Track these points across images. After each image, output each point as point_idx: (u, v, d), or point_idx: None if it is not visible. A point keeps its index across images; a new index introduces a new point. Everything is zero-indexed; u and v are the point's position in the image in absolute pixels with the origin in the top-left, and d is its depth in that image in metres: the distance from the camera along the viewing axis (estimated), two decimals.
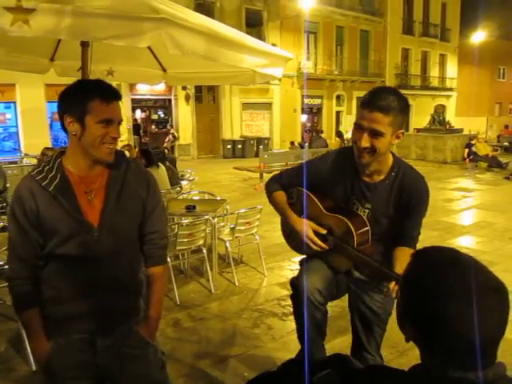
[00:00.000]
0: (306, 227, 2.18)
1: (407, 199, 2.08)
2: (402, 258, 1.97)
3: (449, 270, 0.95)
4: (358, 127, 1.96)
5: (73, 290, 1.63)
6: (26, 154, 12.01)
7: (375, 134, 1.91)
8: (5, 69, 4.36)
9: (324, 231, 2.18)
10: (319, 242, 2.16)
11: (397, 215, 2.13)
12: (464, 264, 0.96)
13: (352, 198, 2.18)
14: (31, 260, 1.62)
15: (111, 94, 1.59)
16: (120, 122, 1.63)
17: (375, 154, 1.97)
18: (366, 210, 2.15)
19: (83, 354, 1.68)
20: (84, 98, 1.55)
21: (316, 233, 2.19)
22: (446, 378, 0.92)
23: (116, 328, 1.71)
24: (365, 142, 1.93)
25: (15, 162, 11.39)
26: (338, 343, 3.32)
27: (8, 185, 6.80)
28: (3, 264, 3.45)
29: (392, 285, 1.86)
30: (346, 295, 2.45)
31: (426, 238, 4.38)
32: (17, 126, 14.88)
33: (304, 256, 2.41)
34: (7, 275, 1.69)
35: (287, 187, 2.37)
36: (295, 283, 2.26)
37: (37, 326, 1.66)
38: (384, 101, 1.88)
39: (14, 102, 14.60)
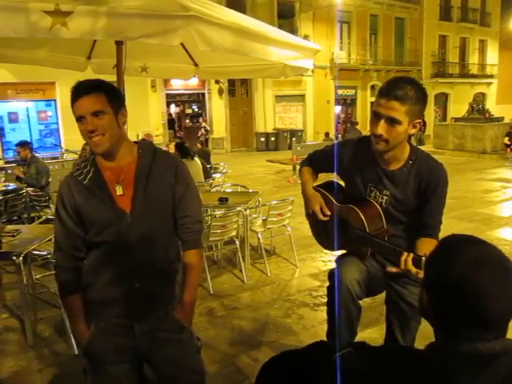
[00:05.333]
0: (314, 199, 2.35)
1: (426, 186, 2.10)
2: (422, 245, 2.04)
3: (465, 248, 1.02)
4: (375, 115, 2.01)
5: (110, 275, 1.74)
6: (66, 150, 12.44)
7: (392, 122, 1.95)
8: (47, 66, 4.63)
9: (328, 212, 2.32)
10: (319, 213, 2.32)
11: (417, 203, 2.15)
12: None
13: (370, 185, 2.22)
14: (70, 251, 1.76)
15: (78, 92, 1.66)
16: (95, 112, 1.64)
17: (390, 143, 2.02)
18: (385, 197, 2.18)
19: (122, 338, 1.77)
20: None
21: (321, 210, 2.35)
22: (455, 350, 0.96)
23: (152, 313, 1.79)
24: (381, 129, 1.97)
25: (56, 158, 11.86)
26: (369, 333, 3.35)
27: (50, 179, 7.11)
28: (46, 254, 3.67)
29: (404, 256, 1.89)
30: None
31: (463, 230, 4.32)
32: (57, 123, 15.41)
33: (339, 253, 2.46)
34: (53, 264, 1.85)
35: (315, 166, 2.52)
36: (334, 272, 2.28)
37: (77, 312, 1.78)
38: (401, 90, 1.92)
39: (55, 100, 15.12)
